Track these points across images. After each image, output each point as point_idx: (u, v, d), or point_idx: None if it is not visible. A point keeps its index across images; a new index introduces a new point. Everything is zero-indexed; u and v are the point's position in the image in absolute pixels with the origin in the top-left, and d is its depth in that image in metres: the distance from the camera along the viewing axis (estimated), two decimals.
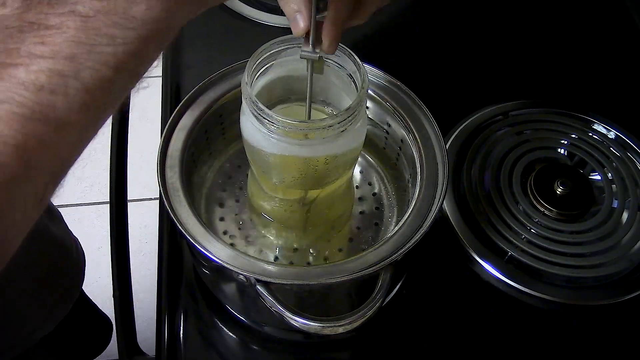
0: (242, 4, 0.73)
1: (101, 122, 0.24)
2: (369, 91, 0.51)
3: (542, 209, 0.57)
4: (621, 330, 0.52)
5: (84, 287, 0.69)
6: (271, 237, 0.53)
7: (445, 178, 0.46)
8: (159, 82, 0.67)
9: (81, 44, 0.21)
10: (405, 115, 0.50)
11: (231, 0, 0.73)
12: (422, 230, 0.43)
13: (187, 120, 0.49)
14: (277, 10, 0.73)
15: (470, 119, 0.63)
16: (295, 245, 0.53)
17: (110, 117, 0.64)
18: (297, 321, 0.40)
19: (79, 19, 0.21)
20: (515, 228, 0.55)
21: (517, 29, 0.75)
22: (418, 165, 0.48)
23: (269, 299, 0.41)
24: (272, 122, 0.40)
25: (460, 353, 0.51)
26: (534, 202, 0.57)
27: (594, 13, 0.77)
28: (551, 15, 0.76)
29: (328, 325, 0.40)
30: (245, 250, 0.52)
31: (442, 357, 0.51)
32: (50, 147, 0.21)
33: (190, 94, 0.49)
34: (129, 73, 0.23)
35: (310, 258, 0.53)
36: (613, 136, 0.63)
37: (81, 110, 0.22)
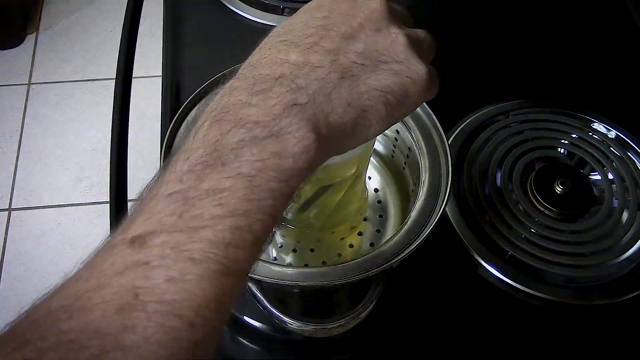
0: (242, 3, 0.73)
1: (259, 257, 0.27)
2: None
3: (542, 209, 0.57)
4: (621, 330, 0.52)
5: None
6: (290, 240, 0.53)
7: (446, 195, 0.45)
8: (159, 82, 0.67)
9: (251, 201, 0.24)
10: (414, 125, 0.50)
11: (231, 0, 0.73)
12: (415, 243, 0.43)
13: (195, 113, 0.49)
14: (277, 10, 0.73)
15: (471, 119, 0.63)
16: (295, 247, 0.53)
17: (111, 117, 0.64)
18: (290, 323, 0.40)
19: (245, 180, 0.24)
20: (515, 227, 0.55)
21: (517, 28, 0.75)
22: (422, 176, 0.48)
23: (262, 300, 0.41)
24: None
25: (460, 352, 0.51)
26: (534, 201, 0.57)
27: (594, 13, 0.77)
28: (551, 15, 0.76)
29: (321, 327, 0.40)
30: None
31: (443, 356, 0.51)
32: (234, 296, 0.24)
33: (202, 86, 0.50)
34: (281, 216, 0.26)
35: (308, 261, 0.53)
36: (613, 136, 0.63)
37: (252, 260, 0.25)
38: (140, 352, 0.21)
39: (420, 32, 0.33)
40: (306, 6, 0.33)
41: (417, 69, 0.30)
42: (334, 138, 0.28)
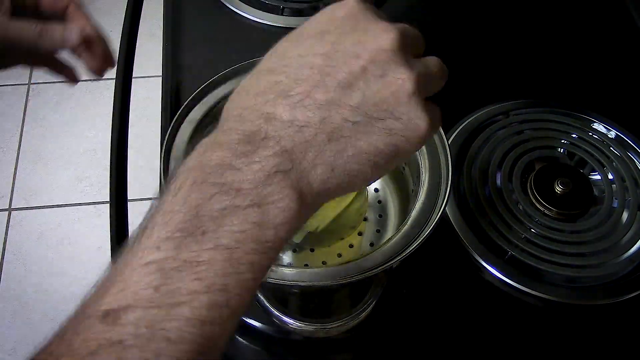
0: (242, 3, 0.73)
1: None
2: None
3: (542, 209, 0.57)
4: (621, 330, 0.52)
5: (85, 287, 0.69)
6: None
7: (446, 195, 0.45)
8: (158, 82, 0.67)
9: (230, 275, 0.23)
10: None
11: (231, 0, 0.73)
12: (415, 243, 0.43)
13: (196, 114, 0.49)
14: (277, 10, 0.73)
15: (471, 118, 0.63)
16: (295, 247, 0.53)
17: (111, 117, 0.64)
18: (290, 323, 0.40)
19: (225, 252, 0.23)
20: (515, 227, 0.55)
21: (517, 28, 0.75)
22: (422, 176, 0.48)
23: (262, 300, 0.41)
24: None
25: (460, 352, 0.51)
26: (534, 201, 0.57)
27: (594, 13, 0.77)
28: (551, 15, 0.76)
29: (321, 327, 0.40)
30: None
31: (442, 356, 0.51)
32: None
33: (202, 86, 0.50)
34: (263, 276, 0.25)
35: (308, 261, 0.53)
36: (613, 136, 0.63)
37: (227, 335, 0.24)
38: None
39: (431, 64, 0.30)
40: (310, 26, 0.30)
41: (417, 125, 0.28)
42: (316, 203, 0.27)
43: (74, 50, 0.48)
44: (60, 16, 0.49)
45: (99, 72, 0.52)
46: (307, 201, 0.26)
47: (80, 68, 0.52)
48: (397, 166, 0.29)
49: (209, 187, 0.25)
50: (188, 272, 0.23)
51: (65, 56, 0.50)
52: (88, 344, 0.22)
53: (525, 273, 0.54)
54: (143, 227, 0.25)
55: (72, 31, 0.46)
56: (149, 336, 0.22)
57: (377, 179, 0.29)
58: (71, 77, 0.55)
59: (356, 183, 0.28)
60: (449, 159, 0.47)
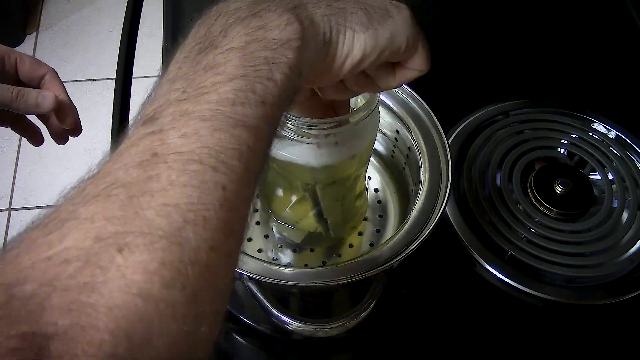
0: None
1: (273, 137, 0.28)
2: (382, 97, 0.51)
3: (542, 209, 0.57)
4: (621, 330, 0.52)
5: None
6: (293, 239, 0.53)
7: (446, 195, 0.45)
8: None
9: (247, 67, 0.26)
10: (414, 125, 0.50)
11: None
12: (415, 243, 0.43)
13: None
14: None
15: (471, 119, 0.63)
16: (295, 247, 0.53)
17: (111, 117, 0.64)
18: (290, 323, 0.40)
19: (237, 51, 0.26)
20: (515, 227, 0.55)
21: (517, 28, 0.75)
22: (422, 176, 0.48)
23: (262, 300, 0.41)
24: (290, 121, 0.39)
25: (460, 353, 0.51)
26: (534, 201, 0.57)
27: (594, 13, 0.77)
28: (551, 15, 0.76)
29: (321, 327, 0.40)
30: (244, 249, 0.52)
31: (442, 356, 0.51)
32: (254, 152, 0.25)
33: None
34: (286, 85, 0.27)
35: (308, 261, 0.53)
36: (613, 136, 0.63)
37: (264, 120, 0.26)
38: (168, 195, 0.22)
39: None
40: None
41: (399, 4, 0.32)
42: (317, 31, 0.29)
43: (44, 115, 0.52)
44: (36, 84, 0.51)
45: (63, 139, 0.56)
46: (304, 19, 0.28)
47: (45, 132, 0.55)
48: (391, 42, 0.31)
49: (209, 20, 0.28)
50: (209, 73, 0.26)
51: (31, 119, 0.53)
52: (130, 140, 0.24)
53: (525, 273, 0.54)
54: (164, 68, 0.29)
55: (47, 97, 0.48)
56: (184, 120, 0.24)
57: (374, 41, 0.30)
58: (35, 139, 0.58)
59: (352, 23, 0.30)
60: (449, 159, 0.47)
